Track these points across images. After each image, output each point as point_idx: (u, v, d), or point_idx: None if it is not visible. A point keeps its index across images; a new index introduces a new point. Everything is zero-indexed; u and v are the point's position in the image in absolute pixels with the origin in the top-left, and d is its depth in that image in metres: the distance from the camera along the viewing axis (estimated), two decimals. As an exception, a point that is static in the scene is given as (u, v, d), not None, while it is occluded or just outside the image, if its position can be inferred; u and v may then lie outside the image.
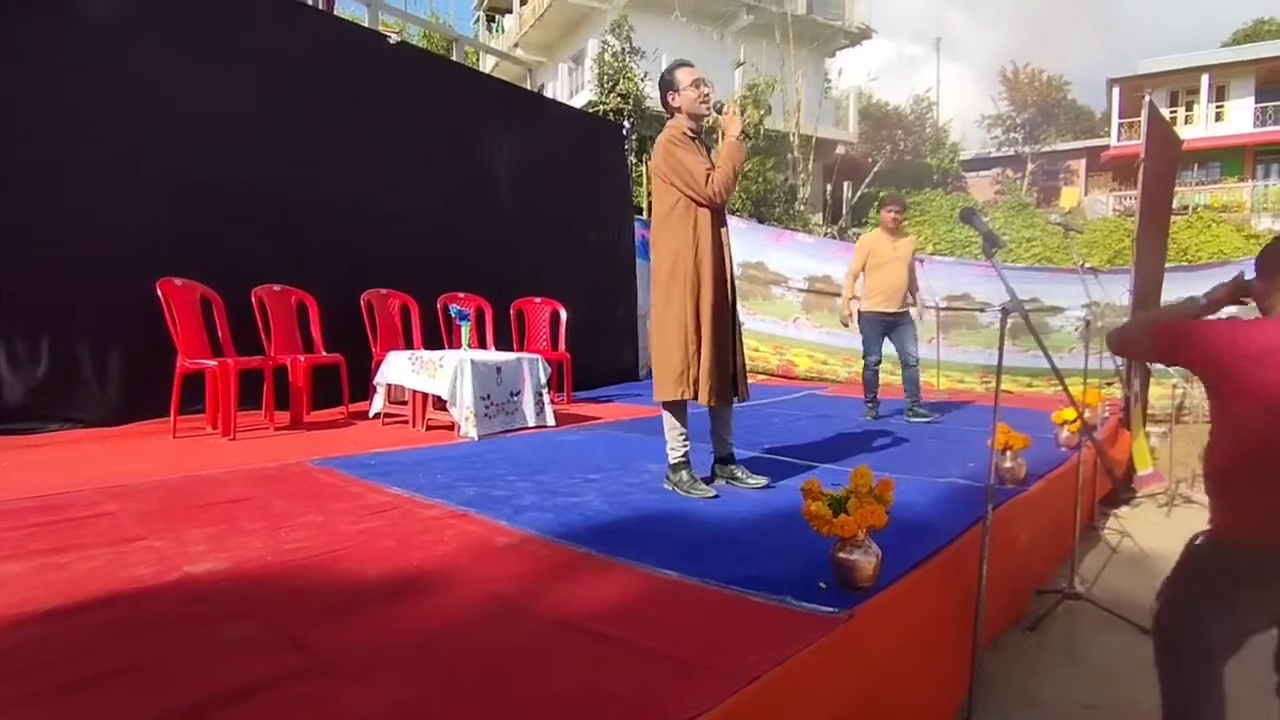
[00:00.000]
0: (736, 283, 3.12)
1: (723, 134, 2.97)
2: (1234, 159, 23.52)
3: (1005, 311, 2.26)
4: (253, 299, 4.64)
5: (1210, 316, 2.02)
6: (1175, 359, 2.05)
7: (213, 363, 4.19)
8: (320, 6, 7.10)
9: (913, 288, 5.52)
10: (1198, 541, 1.89)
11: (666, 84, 3.03)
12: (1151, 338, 2.08)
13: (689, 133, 2.98)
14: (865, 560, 1.88)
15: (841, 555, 1.88)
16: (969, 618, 2.21)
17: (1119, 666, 2.96)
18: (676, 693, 1.38)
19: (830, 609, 1.76)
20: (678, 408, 3.00)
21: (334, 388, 4.89)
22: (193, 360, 4.17)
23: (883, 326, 5.42)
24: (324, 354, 4.87)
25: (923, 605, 2.12)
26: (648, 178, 12.55)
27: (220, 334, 4.40)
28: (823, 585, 1.89)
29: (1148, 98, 5.80)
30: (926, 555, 2.21)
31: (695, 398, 2.91)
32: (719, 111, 3.00)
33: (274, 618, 1.75)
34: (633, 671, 1.50)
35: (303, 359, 4.68)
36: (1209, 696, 1.85)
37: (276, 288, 4.82)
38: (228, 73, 4.94)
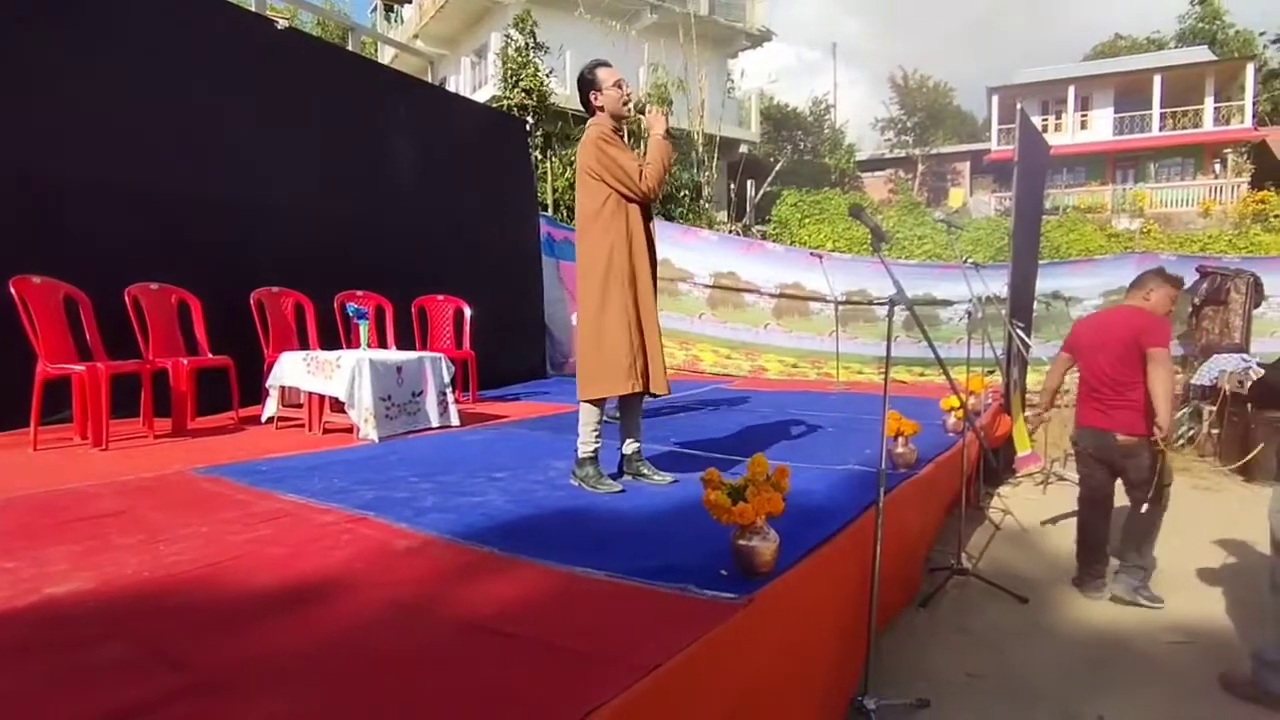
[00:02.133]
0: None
1: (649, 132, 3.00)
2: (1097, 164, 25.53)
3: (892, 304, 2.38)
4: (126, 298, 4.31)
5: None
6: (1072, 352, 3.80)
7: (80, 367, 3.86)
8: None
9: None
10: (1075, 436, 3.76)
11: (588, 84, 3.02)
12: (1059, 357, 3.86)
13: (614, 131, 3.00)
14: (764, 546, 1.93)
15: (741, 542, 1.93)
16: (865, 597, 2.31)
17: (1000, 635, 3.17)
18: (578, 687, 1.37)
19: (730, 595, 1.80)
20: (598, 404, 3.00)
21: (223, 392, 4.61)
22: (56, 365, 3.83)
23: None
24: (210, 356, 4.59)
25: (821, 587, 2.20)
26: (552, 174, 12.50)
27: (89, 336, 4.06)
28: (723, 572, 1.93)
29: (1020, 106, 6.22)
30: (823, 539, 2.29)
31: (647, 389, 2.94)
32: (640, 112, 3.02)
33: (149, 636, 1.63)
34: (535, 669, 1.48)
35: (185, 362, 4.39)
36: (1097, 514, 3.63)
37: (154, 286, 4.49)
38: (95, 58, 4.56)
